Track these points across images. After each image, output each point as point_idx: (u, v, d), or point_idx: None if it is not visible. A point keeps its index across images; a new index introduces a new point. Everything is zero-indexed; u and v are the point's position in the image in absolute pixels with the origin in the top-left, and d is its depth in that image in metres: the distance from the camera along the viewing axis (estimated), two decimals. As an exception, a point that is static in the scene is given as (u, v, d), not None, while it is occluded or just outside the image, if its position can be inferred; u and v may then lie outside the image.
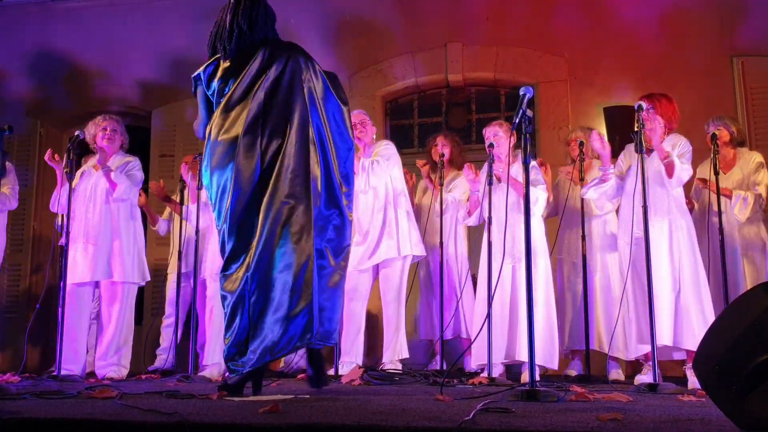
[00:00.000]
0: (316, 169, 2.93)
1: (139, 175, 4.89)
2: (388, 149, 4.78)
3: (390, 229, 4.63)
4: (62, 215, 4.80)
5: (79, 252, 4.61)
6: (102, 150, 4.77)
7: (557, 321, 4.77)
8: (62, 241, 4.77)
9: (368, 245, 4.62)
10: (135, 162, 4.90)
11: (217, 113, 2.96)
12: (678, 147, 4.03)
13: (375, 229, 4.62)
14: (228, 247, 2.88)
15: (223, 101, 2.95)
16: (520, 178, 4.29)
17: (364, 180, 4.57)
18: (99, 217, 4.69)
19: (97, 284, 4.77)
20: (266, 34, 3.10)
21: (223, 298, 2.89)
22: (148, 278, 4.95)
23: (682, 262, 3.89)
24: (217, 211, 2.93)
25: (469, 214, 4.77)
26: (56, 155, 4.76)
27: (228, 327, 2.84)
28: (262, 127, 2.90)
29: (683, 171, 3.96)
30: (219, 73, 3.03)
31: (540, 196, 4.38)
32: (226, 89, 2.98)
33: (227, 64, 3.03)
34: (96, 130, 4.86)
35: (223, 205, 2.90)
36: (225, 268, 2.89)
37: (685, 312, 3.80)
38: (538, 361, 4.19)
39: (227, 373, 2.99)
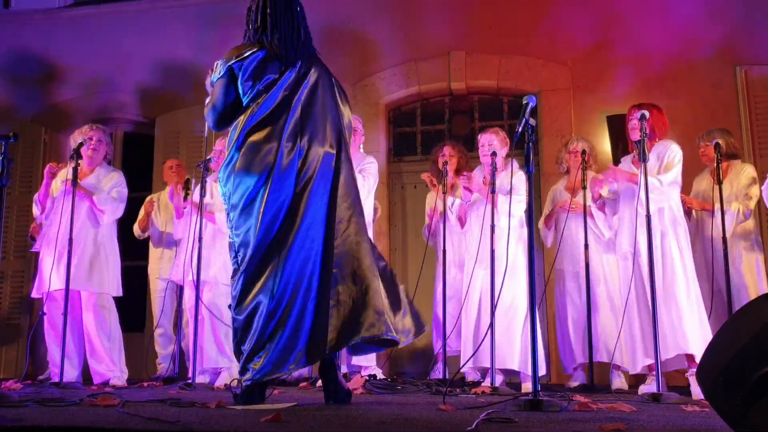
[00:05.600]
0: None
1: (125, 192, 4.88)
2: (373, 167, 4.66)
3: None
4: (39, 222, 4.81)
5: (57, 259, 4.53)
6: (83, 189, 4.68)
7: (564, 333, 4.77)
8: (36, 247, 4.78)
9: None
10: (120, 179, 4.87)
11: (248, 115, 2.87)
12: (665, 159, 4.03)
13: None
14: (253, 250, 2.81)
15: (258, 103, 2.87)
16: (504, 190, 4.30)
17: None
18: (83, 227, 4.67)
19: (78, 293, 4.72)
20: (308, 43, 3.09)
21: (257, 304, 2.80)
22: (121, 293, 4.90)
23: (675, 272, 3.88)
24: (241, 213, 2.85)
25: (461, 221, 4.72)
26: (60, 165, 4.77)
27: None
28: (301, 135, 2.87)
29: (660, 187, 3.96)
30: (257, 71, 2.91)
31: (518, 208, 4.36)
32: (259, 89, 2.89)
33: (267, 62, 2.92)
34: (82, 140, 4.82)
35: (248, 210, 2.83)
36: (247, 271, 2.81)
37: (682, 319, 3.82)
38: (523, 368, 4.20)
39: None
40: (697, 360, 3.63)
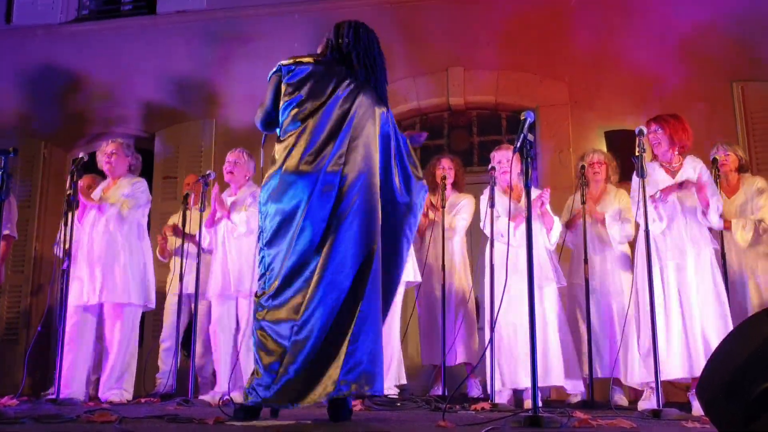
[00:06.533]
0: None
1: (143, 197, 4.84)
2: None
3: None
4: (63, 239, 4.77)
5: (83, 273, 4.59)
6: (89, 198, 4.73)
7: (578, 348, 4.76)
8: (65, 264, 4.75)
9: None
10: (140, 184, 4.84)
11: (293, 135, 2.84)
12: (706, 175, 4.01)
13: None
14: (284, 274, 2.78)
15: (301, 124, 2.84)
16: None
17: None
18: (103, 239, 4.67)
19: (101, 306, 4.72)
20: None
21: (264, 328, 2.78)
22: (152, 304, 4.87)
23: (706, 292, 3.84)
24: (274, 234, 2.82)
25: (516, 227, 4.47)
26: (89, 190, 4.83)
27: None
28: (345, 165, 2.83)
29: (719, 207, 3.96)
30: (302, 82, 2.88)
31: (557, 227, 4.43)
32: (295, 101, 2.87)
33: (317, 78, 2.90)
34: (101, 156, 4.86)
35: (282, 233, 2.80)
36: (275, 296, 2.78)
37: (705, 342, 3.76)
38: (565, 385, 4.21)
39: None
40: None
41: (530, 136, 2.91)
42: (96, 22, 7.53)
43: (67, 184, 4.59)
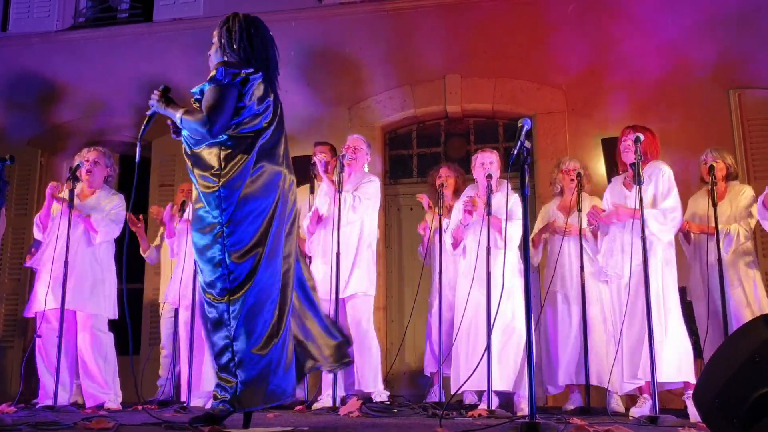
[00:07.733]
0: None
1: (122, 215, 4.81)
2: (370, 188, 4.68)
3: (361, 265, 4.57)
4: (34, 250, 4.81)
5: (56, 280, 4.52)
6: (65, 200, 4.61)
7: (554, 355, 4.76)
8: (30, 263, 4.77)
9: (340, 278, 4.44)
10: (118, 202, 4.79)
11: (259, 138, 2.88)
12: (660, 184, 4.03)
13: (347, 264, 4.51)
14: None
15: (262, 127, 2.89)
16: (500, 211, 4.28)
17: (344, 215, 4.46)
18: (79, 248, 4.63)
19: (73, 314, 4.67)
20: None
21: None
22: (116, 315, 4.84)
23: (660, 295, 3.85)
24: (240, 229, 2.79)
25: (455, 242, 4.71)
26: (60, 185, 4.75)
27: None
28: (287, 163, 2.97)
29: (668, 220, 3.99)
30: (259, 92, 2.93)
31: (516, 233, 4.37)
32: (258, 111, 2.91)
33: (264, 85, 2.96)
34: (79, 162, 4.79)
35: (251, 228, 2.79)
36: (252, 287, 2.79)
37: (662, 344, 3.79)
38: (517, 389, 4.20)
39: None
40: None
41: (527, 144, 2.92)
42: (92, 29, 7.54)
43: (65, 193, 4.58)
